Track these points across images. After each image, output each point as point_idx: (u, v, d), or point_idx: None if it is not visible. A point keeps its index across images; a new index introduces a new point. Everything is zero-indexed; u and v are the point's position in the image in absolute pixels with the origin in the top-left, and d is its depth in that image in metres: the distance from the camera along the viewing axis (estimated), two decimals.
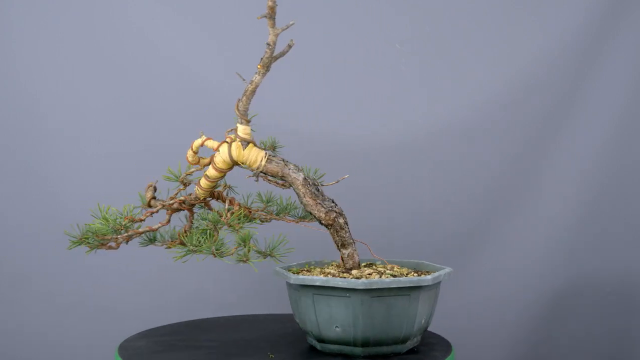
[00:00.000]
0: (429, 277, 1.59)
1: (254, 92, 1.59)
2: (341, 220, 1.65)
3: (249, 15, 2.52)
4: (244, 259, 1.51)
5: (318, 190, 1.65)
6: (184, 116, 2.50)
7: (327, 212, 1.64)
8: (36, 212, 2.48)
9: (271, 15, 1.51)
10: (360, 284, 1.53)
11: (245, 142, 1.61)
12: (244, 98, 1.59)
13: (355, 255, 1.69)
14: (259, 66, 1.56)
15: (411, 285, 1.56)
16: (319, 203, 1.64)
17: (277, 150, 1.76)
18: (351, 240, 1.68)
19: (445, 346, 1.75)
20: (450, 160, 2.59)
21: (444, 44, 2.60)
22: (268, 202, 1.77)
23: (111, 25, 2.49)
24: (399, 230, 2.59)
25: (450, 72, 2.59)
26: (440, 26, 2.60)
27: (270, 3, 1.50)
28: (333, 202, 1.67)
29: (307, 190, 1.63)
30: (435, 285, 1.65)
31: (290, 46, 1.55)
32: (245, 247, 1.51)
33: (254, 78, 1.57)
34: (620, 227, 2.59)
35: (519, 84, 2.58)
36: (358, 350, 1.60)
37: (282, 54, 1.56)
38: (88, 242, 1.57)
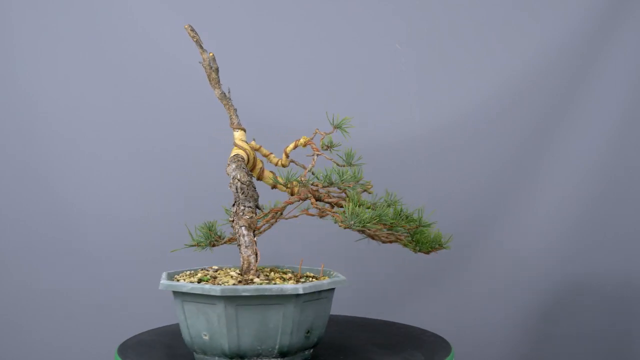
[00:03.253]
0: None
1: (226, 103, 1.75)
2: (233, 222, 1.60)
3: (249, 15, 2.54)
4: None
5: (239, 190, 1.63)
6: (184, 116, 2.50)
7: (233, 213, 1.62)
8: (36, 212, 2.48)
9: (195, 41, 1.69)
10: (165, 285, 1.54)
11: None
12: (227, 111, 1.76)
13: (243, 260, 1.59)
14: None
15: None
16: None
17: (332, 149, 1.76)
18: (240, 244, 1.60)
19: (445, 346, 1.75)
20: (447, 160, 2.60)
21: (442, 43, 2.60)
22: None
23: (112, 25, 2.49)
24: None
25: (448, 72, 2.60)
26: (438, 26, 2.60)
27: (187, 32, 1.69)
28: (250, 206, 1.62)
29: (233, 191, 1.65)
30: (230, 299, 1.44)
31: (214, 59, 1.72)
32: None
33: (216, 93, 1.76)
34: (620, 227, 2.59)
35: (516, 84, 2.58)
36: None
37: (216, 68, 1.73)
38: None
